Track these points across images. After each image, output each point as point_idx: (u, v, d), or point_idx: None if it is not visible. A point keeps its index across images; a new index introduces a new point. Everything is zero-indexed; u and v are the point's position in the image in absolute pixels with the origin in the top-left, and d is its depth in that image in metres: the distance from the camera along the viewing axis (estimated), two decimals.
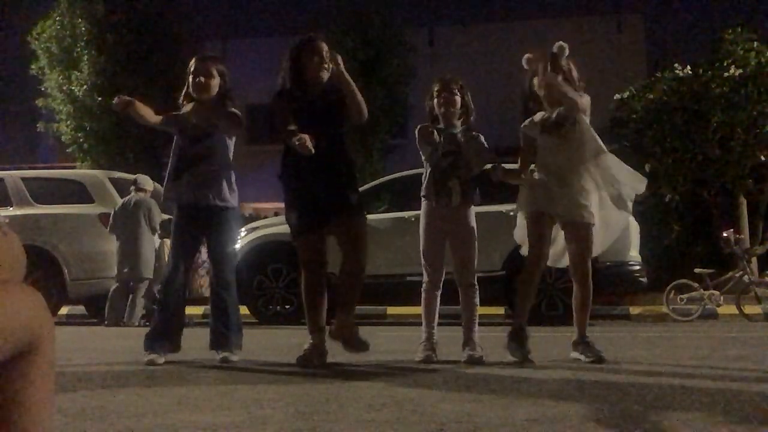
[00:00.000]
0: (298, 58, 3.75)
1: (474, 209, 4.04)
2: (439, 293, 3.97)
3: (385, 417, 2.10)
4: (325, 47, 3.74)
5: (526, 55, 3.88)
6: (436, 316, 3.98)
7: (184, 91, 4.08)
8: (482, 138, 4.04)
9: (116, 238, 8.14)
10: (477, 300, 3.96)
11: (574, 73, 3.81)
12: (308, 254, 3.82)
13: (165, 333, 3.89)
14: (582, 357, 3.65)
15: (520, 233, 4.01)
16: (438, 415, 2.13)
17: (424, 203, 4.00)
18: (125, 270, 8.06)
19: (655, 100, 13.92)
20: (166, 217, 8.64)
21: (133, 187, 8.37)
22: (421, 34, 20.48)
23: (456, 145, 3.94)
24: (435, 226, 3.94)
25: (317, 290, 3.81)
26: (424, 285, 3.97)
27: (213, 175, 3.94)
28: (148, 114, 3.98)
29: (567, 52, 3.77)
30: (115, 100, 3.90)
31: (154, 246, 8.37)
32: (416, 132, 3.98)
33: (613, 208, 3.81)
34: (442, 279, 3.97)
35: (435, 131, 3.93)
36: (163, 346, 3.85)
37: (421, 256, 3.98)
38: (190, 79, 3.98)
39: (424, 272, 3.98)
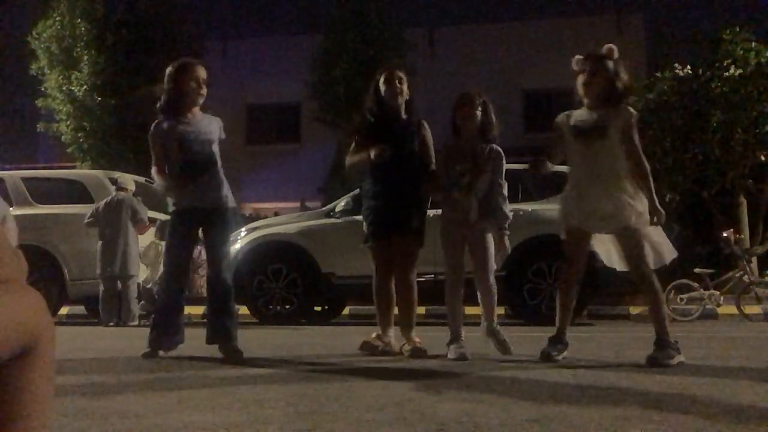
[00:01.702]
0: (377, 86, 4.20)
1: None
2: (462, 291, 4.04)
3: (385, 417, 2.10)
4: (398, 74, 4.19)
5: (577, 57, 3.68)
6: (461, 314, 4.08)
7: (170, 97, 4.07)
8: (501, 153, 4.07)
9: (99, 237, 8.18)
10: (495, 292, 4.04)
11: (623, 75, 3.62)
12: (376, 259, 4.25)
13: (165, 331, 3.97)
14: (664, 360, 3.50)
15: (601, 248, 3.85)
16: (438, 415, 2.13)
17: (443, 209, 4.11)
18: (109, 269, 8.11)
19: (655, 100, 13.93)
20: (151, 213, 8.71)
21: (114, 187, 8.45)
22: (421, 34, 20.49)
23: (474, 161, 3.97)
24: (454, 231, 4.02)
25: (384, 292, 4.23)
26: (447, 286, 4.05)
27: (218, 179, 4.09)
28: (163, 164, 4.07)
29: (616, 54, 3.59)
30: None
31: (139, 243, 8.43)
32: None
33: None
34: (463, 278, 4.03)
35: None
36: (163, 343, 3.93)
37: (444, 257, 4.06)
38: (194, 86, 4.03)
39: (446, 273, 4.08)
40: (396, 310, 4.25)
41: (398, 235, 4.15)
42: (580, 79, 3.61)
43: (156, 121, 4.12)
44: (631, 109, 3.62)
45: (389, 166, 4.08)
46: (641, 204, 3.54)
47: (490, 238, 3.99)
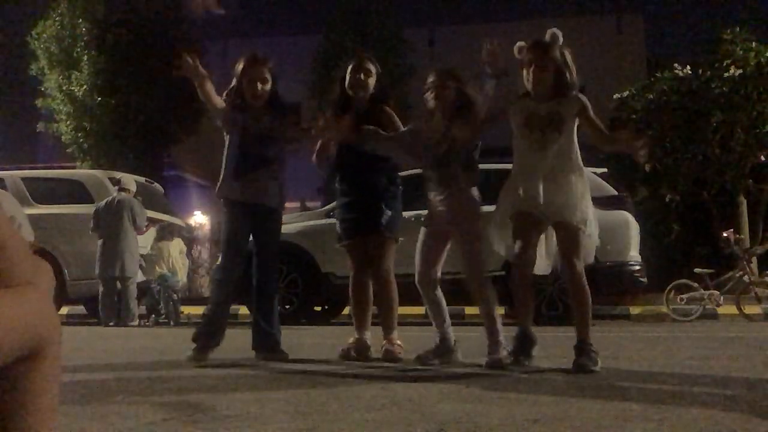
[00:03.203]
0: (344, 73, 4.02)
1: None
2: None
3: (385, 417, 2.10)
4: (366, 66, 4.00)
5: (519, 44, 3.52)
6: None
7: (232, 91, 3.97)
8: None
9: (98, 237, 8.19)
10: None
11: (570, 62, 3.43)
12: (351, 259, 4.13)
13: (215, 329, 3.87)
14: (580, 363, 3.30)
15: (498, 237, 3.59)
16: (438, 415, 2.13)
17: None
18: (108, 270, 8.11)
19: (655, 100, 13.94)
20: (149, 213, 8.73)
21: (116, 187, 8.46)
22: (421, 34, 20.50)
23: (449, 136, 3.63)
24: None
25: (359, 291, 4.11)
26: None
27: (273, 179, 4.00)
28: (212, 94, 3.95)
29: (561, 39, 3.42)
30: (186, 61, 3.91)
31: (138, 244, 8.44)
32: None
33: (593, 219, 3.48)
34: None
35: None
36: (211, 342, 3.83)
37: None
38: (245, 83, 3.89)
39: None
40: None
41: (369, 232, 4.00)
42: (529, 72, 3.44)
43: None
44: (581, 96, 3.45)
45: (354, 162, 3.96)
46: (587, 208, 3.41)
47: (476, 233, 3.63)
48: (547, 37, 3.44)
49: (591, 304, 3.45)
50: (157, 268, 9.02)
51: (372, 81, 4.02)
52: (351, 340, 4.05)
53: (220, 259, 4.17)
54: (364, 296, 4.11)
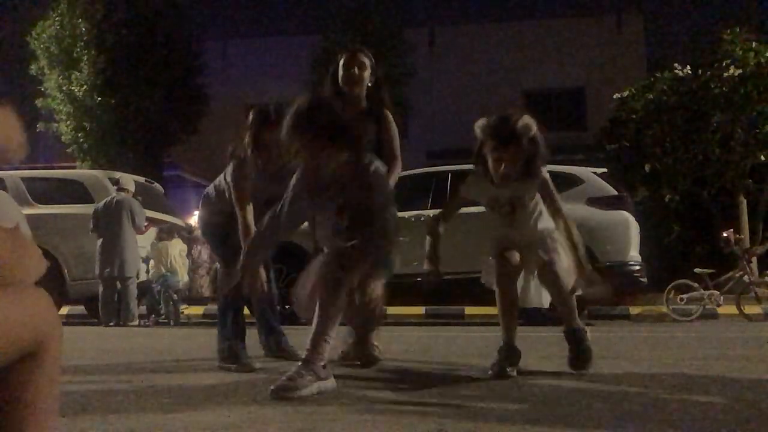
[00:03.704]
0: (336, 70, 3.70)
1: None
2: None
3: (385, 417, 2.10)
4: (360, 59, 3.68)
5: (479, 122, 3.14)
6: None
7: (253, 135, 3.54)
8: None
9: (97, 237, 8.20)
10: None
11: (540, 142, 3.13)
12: None
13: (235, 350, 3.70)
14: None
15: (487, 276, 3.41)
16: (438, 415, 2.13)
17: None
18: (107, 270, 8.12)
19: (655, 100, 13.94)
20: (149, 214, 8.74)
21: (115, 187, 8.46)
22: (421, 34, 20.49)
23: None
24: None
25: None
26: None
27: None
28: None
29: (533, 131, 3.07)
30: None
31: (137, 244, 8.44)
32: None
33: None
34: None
35: None
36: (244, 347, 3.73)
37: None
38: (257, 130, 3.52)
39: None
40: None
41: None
42: (494, 162, 3.11)
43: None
44: (543, 170, 3.22)
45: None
46: (564, 256, 3.24)
47: None
48: (519, 128, 3.06)
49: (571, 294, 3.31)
50: (159, 268, 9.03)
51: (367, 75, 3.71)
52: (350, 341, 4.01)
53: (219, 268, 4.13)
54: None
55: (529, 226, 3.27)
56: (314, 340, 2.66)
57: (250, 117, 3.55)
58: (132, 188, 8.58)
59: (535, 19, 22.06)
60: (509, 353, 3.17)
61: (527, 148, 3.08)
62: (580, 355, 3.24)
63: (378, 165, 2.89)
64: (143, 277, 8.93)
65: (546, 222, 3.30)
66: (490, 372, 3.10)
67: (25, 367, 1.11)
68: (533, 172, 3.15)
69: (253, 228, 3.39)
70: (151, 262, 9.14)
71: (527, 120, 3.06)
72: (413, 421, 2.03)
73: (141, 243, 8.78)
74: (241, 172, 3.51)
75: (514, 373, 3.11)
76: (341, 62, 3.69)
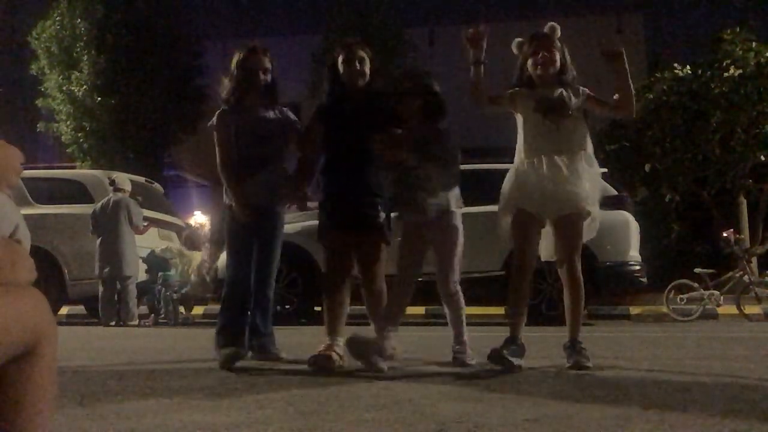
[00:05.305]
0: (335, 65, 3.70)
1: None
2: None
3: (385, 417, 2.10)
4: (360, 53, 3.66)
5: (517, 40, 3.56)
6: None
7: (232, 86, 3.86)
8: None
9: (96, 237, 8.21)
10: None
11: (567, 56, 3.55)
12: (330, 260, 3.73)
13: (233, 332, 3.75)
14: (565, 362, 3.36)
15: (506, 233, 3.55)
16: (438, 415, 2.13)
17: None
18: (106, 270, 8.13)
19: (655, 100, 13.93)
20: (149, 214, 8.76)
21: (111, 187, 8.46)
22: (421, 34, 20.49)
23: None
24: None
25: (335, 292, 3.67)
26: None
27: (275, 179, 3.89)
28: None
29: (559, 32, 3.51)
30: None
31: (136, 244, 8.46)
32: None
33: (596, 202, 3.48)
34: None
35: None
36: (235, 343, 3.70)
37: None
38: (245, 75, 3.80)
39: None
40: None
41: (358, 232, 3.62)
42: (536, 59, 3.48)
43: (219, 110, 3.90)
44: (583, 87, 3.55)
45: (344, 154, 3.62)
46: (594, 192, 3.43)
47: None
48: (546, 29, 3.54)
49: (584, 303, 3.43)
50: (184, 274, 9.21)
51: (368, 68, 3.68)
52: (322, 346, 3.63)
53: (226, 259, 4.09)
54: (340, 299, 3.70)
55: (564, 174, 3.35)
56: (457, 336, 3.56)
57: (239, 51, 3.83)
58: (128, 187, 8.56)
59: (535, 19, 22.05)
60: (516, 347, 3.35)
61: (559, 48, 3.50)
62: (574, 365, 3.30)
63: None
64: (142, 277, 8.93)
65: (583, 188, 3.36)
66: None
67: (20, 368, 1.11)
68: (567, 73, 3.53)
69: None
70: (174, 266, 9.17)
71: (554, 23, 3.54)
72: (413, 421, 2.03)
73: (143, 243, 8.78)
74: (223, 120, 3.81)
75: (521, 362, 3.31)
76: (341, 58, 3.67)
